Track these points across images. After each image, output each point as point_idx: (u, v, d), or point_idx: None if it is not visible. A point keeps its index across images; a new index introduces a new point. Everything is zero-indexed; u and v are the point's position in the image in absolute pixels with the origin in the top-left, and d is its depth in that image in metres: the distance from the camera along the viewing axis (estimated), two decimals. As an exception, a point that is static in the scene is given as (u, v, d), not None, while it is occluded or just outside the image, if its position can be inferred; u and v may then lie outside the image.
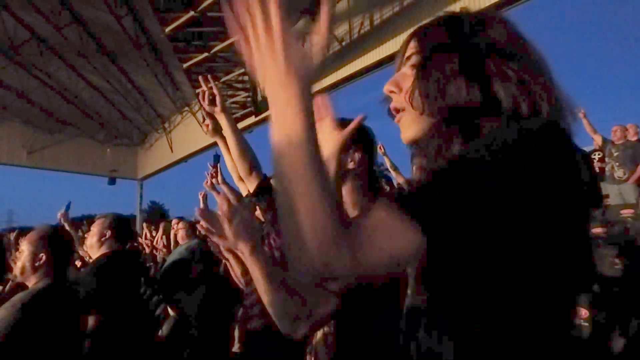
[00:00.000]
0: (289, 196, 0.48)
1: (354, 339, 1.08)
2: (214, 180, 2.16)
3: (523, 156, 0.48)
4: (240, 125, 8.42)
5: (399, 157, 4.61)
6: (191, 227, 3.91)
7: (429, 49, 0.63)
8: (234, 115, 6.42)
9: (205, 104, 1.59)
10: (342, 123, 0.97)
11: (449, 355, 0.55)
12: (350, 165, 1.17)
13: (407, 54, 0.68)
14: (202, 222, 1.06)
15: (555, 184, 0.49)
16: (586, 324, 2.60)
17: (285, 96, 0.49)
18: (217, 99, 1.58)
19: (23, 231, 3.51)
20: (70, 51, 8.35)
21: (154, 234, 5.58)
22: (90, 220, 4.03)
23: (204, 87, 1.58)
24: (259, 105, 8.70)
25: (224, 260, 2.71)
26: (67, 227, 3.10)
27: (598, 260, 3.03)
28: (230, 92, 8.57)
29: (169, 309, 3.64)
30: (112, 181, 14.65)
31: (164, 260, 4.35)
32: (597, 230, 3.43)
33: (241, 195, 1.80)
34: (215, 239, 1.06)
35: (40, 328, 1.59)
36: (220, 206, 1.02)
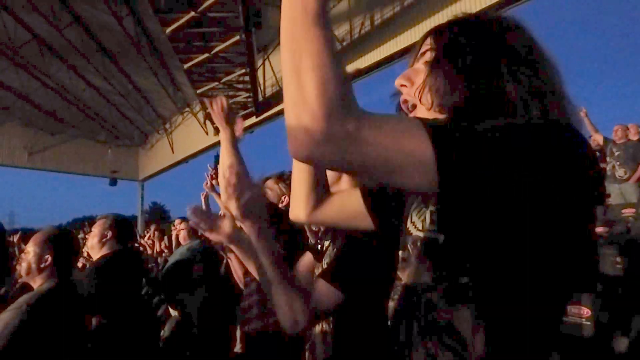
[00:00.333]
0: (295, 54, 0.47)
1: (351, 337, 1.07)
2: (213, 182, 2.16)
3: (531, 147, 0.47)
4: (241, 125, 8.38)
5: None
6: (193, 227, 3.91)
7: (444, 47, 0.64)
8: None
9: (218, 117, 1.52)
10: None
11: (465, 322, 0.52)
12: None
13: (422, 50, 0.68)
14: (192, 218, 1.06)
15: (561, 178, 0.48)
16: (588, 323, 2.60)
17: None
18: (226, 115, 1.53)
19: (26, 233, 3.53)
20: (71, 52, 8.37)
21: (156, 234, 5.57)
22: (91, 221, 4.04)
23: (217, 108, 1.52)
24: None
25: (225, 260, 2.71)
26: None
27: (600, 260, 3.03)
28: (230, 93, 8.57)
29: (170, 309, 3.65)
30: (113, 182, 14.69)
31: (166, 260, 4.35)
32: (598, 229, 3.43)
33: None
34: (207, 234, 1.05)
35: (45, 329, 1.59)
36: (228, 181, 0.96)
